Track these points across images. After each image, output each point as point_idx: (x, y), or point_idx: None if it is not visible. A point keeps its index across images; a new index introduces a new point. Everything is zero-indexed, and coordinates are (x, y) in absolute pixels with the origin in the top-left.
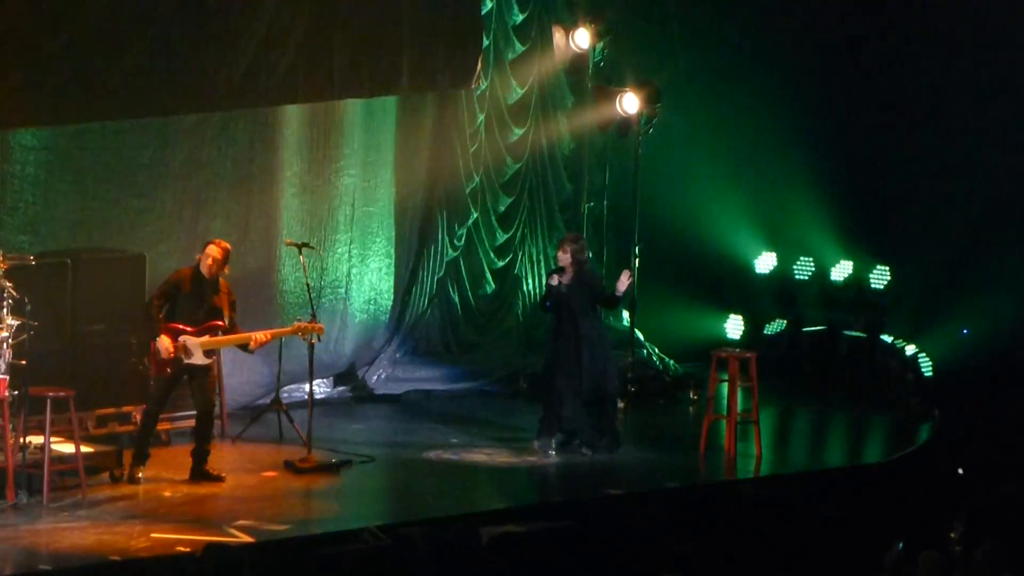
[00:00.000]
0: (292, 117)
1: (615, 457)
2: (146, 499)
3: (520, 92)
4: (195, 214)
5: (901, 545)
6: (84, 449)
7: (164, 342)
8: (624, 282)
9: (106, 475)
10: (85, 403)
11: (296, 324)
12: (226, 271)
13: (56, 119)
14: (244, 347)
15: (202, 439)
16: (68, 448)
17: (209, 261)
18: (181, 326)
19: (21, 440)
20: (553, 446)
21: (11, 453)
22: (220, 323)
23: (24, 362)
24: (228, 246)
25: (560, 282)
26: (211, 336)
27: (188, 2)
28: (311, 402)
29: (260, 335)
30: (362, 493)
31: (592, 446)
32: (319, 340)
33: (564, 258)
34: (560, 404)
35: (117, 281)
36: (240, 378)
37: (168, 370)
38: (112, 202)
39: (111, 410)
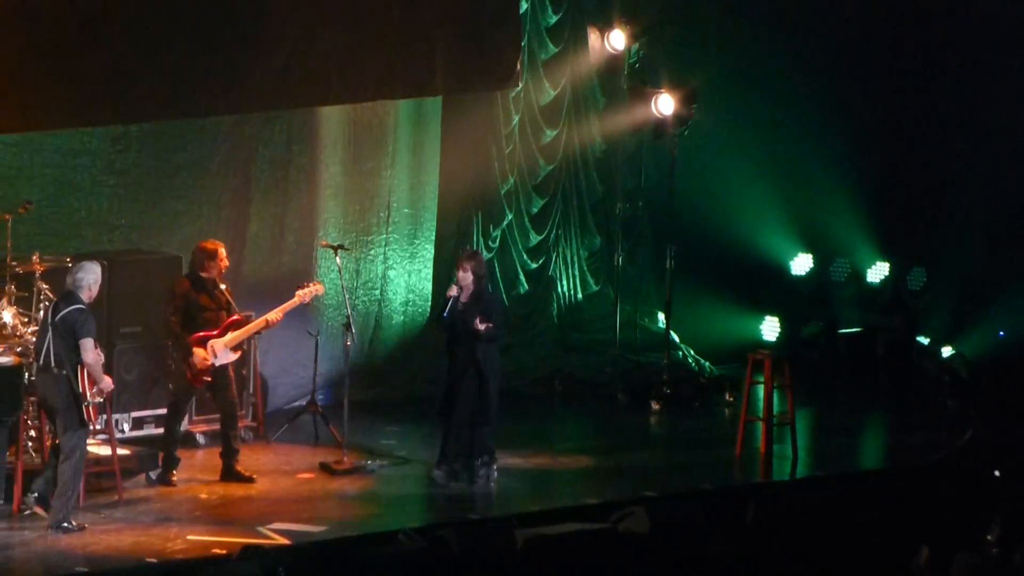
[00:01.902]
0: (329, 118)
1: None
2: (182, 501)
3: (553, 94)
4: (233, 215)
5: (928, 550)
6: (120, 451)
7: (200, 355)
8: (479, 325)
9: (142, 477)
10: (121, 405)
11: (297, 294)
12: (222, 268)
13: (91, 120)
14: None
15: (229, 439)
16: (104, 450)
17: (223, 265)
18: (204, 333)
19: (57, 442)
20: (455, 474)
21: (47, 455)
22: (237, 317)
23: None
24: (222, 246)
25: (459, 297)
26: (233, 332)
27: (222, 3)
28: (346, 404)
29: (272, 316)
30: (397, 495)
31: (469, 471)
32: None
33: (465, 277)
34: (456, 428)
35: (153, 283)
36: (276, 380)
37: (207, 378)
38: (150, 204)
39: (147, 412)
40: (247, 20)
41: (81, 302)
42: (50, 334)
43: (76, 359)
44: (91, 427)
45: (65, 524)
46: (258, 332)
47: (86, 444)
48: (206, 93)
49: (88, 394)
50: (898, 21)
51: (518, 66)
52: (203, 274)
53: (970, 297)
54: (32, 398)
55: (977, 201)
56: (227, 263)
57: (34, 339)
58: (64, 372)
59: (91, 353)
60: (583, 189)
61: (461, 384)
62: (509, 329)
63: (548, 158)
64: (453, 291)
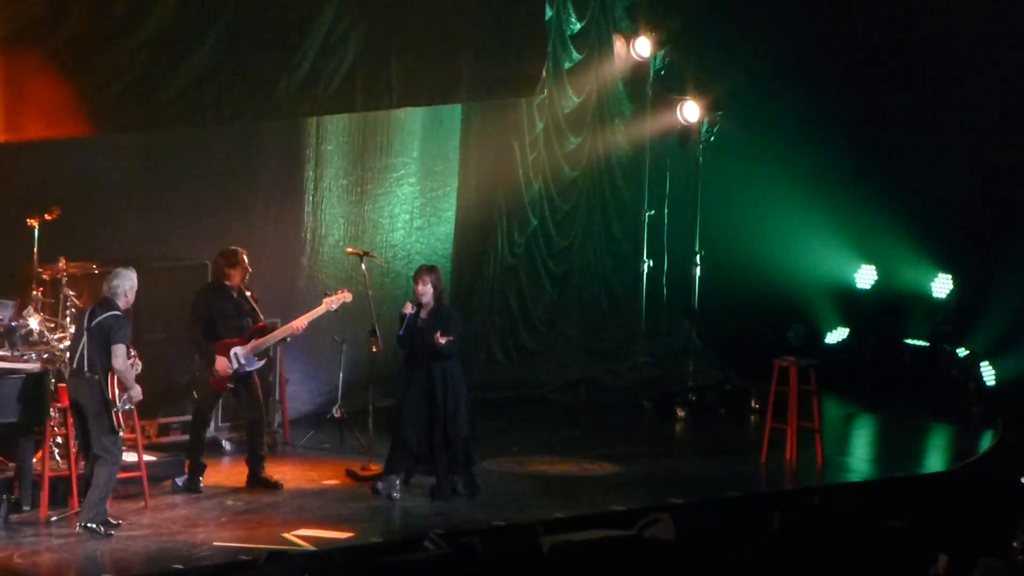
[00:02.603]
0: (353, 126)
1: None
2: (208, 507)
3: (577, 101)
4: (257, 221)
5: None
6: (147, 457)
7: (223, 363)
8: (440, 339)
9: (168, 484)
10: (147, 411)
11: (324, 301)
12: (244, 275)
13: (116, 127)
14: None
15: (256, 446)
16: (131, 456)
17: (245, 272)
18: (228, 340)
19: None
20: (397, 487)
21: (75, 461)
22: (261, 324)
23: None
24: (243, 253)
25: (417, 313)
26: (257, 339)
27: (247, 11)
28: (371, 409)
29: (298, 323)
30: (423, 501)
31: (442, 491)
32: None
33: (425, 291)
34: (409, 444)
35: (178, 290)
36: (302, 387)
37: (230, 385)
38: (174, 211)
39: (173, 419)
40: (271, 28)
41: (117, 308)
42: (85, 338)
43: (109, 364)
44: (121, 433)
45: (91, 525)
46: (284, 339)
47: (120, 449)
48: (230, 100)
49: (118, 400)
50: (928, 25)
51: (543, 73)
52: (226, 281)
53: (997, 304)
54: (58, 404)
55: (1006, 207)
56: (250, 269)
57: (60, 345)
58: (96, 376)
59: (121, 359)
60: (609, 196)
61: (423, 403)
62: (462, 344)
63: (573, 165)
64: (409, 308)
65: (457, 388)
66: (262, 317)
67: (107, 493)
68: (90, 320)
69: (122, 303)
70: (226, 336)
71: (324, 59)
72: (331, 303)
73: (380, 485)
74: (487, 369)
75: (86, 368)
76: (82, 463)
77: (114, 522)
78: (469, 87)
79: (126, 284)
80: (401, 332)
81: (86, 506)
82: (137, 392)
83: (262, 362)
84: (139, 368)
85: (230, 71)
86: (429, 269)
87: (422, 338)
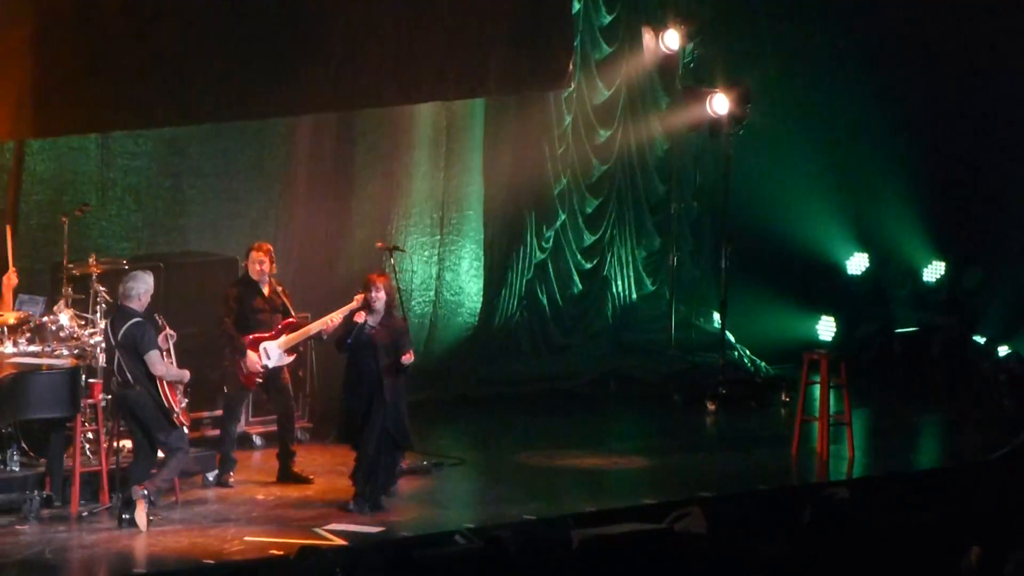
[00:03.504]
0: (380, 118)
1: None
2: (239, 502)
3: (607, 94)
4: (287, 217)
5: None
6: None
7: (252, 357)
8: (405, 360)
9: (199, 478)
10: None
11: (356, 298)
12: (274, 269)
13: (145, 123)
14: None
15: (286, 440)
16: (160, 452)
17: (258, 267)
18: (258, 335)
19: (114, 444)
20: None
21: (105, 456)
22: (291, 319)
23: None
24: (271, 247)
25: (367, 322)
26: (288, 335)
27: (275, 7)
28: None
29: (330, 319)
30: (453, 495)
31: (379, 499)
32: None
33: (380, 297)
34: (368, 456)
35: (209, 284)
36: (331, 381)
37: (260, 380)
38: (205, 206)
39: (204, 413)
40: (300, 23)
41: (136, 314)
42: (117, 353)
43: (147, 370)
44: (185, 429)
45: (147, 493)
46: (315, 335)
47: (186, 439)
48: (259, 95)
49: (175, 404)
50: (957, 17)
51: (570, 66)
52: (253, 276)
53: None
54: (89, 400)
55: None
56: (265, 266)
57: (91, 340)
58: (142, 387)
59: (159, 365)
60: (640, 189)
61: (374, 409)
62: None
63: (602, 158)
64: (362, 317)
65: (404, 395)
66: (293, 312)
67: (172, 476)
68: (115, 333)
69: (136, 305)
70: (256, 331)
71: (352, 54)
72: (363, 300)
73: (353, 505)
74: (516, 363)
75: (132, 381)
76: (112, 458)
77: (155, 514)
78: (497, 81)
79: (140, 287)
80: (350, 341)
81: (152, 479)
82: (186, 375)
83: (292, 357)
84: (174, 337)
85: (259, 66)
86: (381, 276)
87: (372, 347)
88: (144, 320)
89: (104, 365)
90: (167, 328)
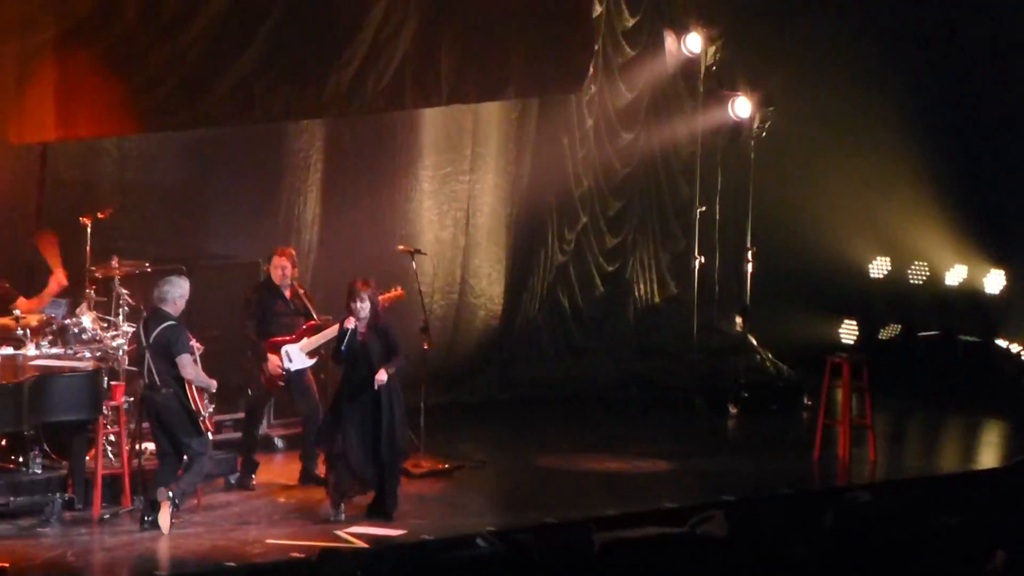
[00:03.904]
0: (403, 122)
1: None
2: (261, 505)
3: (629, 97)
4: (309, 220)
5: (1005, 555)
6: None
7: (274, 360)
8: (386, 371)
9: (221, 481)
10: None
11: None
12: (296, 273)
13: (167, 125)
14: None
15: (310, 442)
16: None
17: (280, 271)
18: (280, 338)
19: (136, 446)
20: (343, 509)
21: (127, 459)
22: (313, 322)
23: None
24: (293, 251)
25: (356, 328)
26: (310, 337)
27: (296, 10)
28: (423, 407)
29: (350, 322)
30: (475, 498)
31: (385, 507)
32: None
33: (363, 307)
34: (353, 464)
35: (230, 287)
36: None
37: (281, 383)
38: (227, 209)
39: (226, 416)
40: (321, 26)
41: (170, 317)
42: (148, 355)
43: (177, 374)
44: (209, 435)
45: (176, 500)
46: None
47: (209, 446)
48: (280, 99)
49: (202, 408)
50: (979, 20)
51: (590, 70)
52: (275, 280)
53: None
54: (111, 402)
55: None
56: (288, 270)
57: (113, 343)
58: (171, 390)
59: (190, 368)
60: (664, 192)
61: (367, 421)
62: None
63: (624, 161)
64: (351, 323)
65: (398, 404)
66: (315, 315)
67: (197, 481)
68: (147, 335)
69: (171, 309)
70: (278, 334)
71: (373, 57)
72: (384, 302)
73: (331, 510)
74: (538, 366)
75: (159, 383)
76: (134, 461)
77: (177, 516)
78: (517, 84)
79: (176, 291)
80: (344, 348)
81: (178, 485)
82: (213, 385)
83: (314, 360)
84: (201, 349)
85: (280, 69)
86: (365, 284)
87: (365, 354)
88: (179, 324)
89: (129, 368)
90: (194, 340)
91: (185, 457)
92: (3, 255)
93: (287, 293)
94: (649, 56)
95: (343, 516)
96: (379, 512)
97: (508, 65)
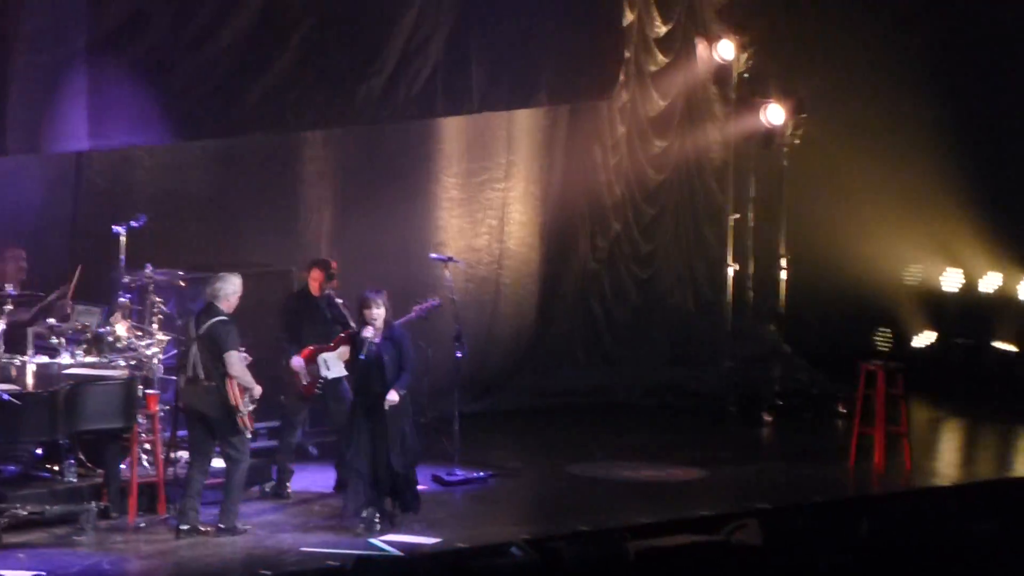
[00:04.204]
0: (437, 130)
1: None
2: (296, 513)
3: (662, 104)
4: (342, 228)
5: None
6: None
7: (311, 369)
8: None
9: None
10: None
11: (414, 309)
12: (335, 285)
13: (198, 134)
14: None
15: (344, 451)
16: (218, 463)
17: (314, 283)
18: (316, 347)
19: (171, 454)
20: (377, 517)
21: (161, 468)
22: (350, 331)
23: (174, 377)
24: (333, 262)
25: (372, 337)
26: (346, 346)
27: (328, 19)
28: (457, 415)
29: (368, 330)
30: (509, 506)
31: (395, 517)
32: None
33: (379, 313)
34: (365, 473)
35: (263, 296)
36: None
37: (317, 390)
38: (259, 217)
39: (260, 424)
40: (352, 35)
41: (223, 313)
42: (195, 347)
43: (223, 370)
44: (248, 434)
45: (237, 524)
46: None
47: (248, 448)
48: (312, 107)
49: (240, 404)
50: (1016, 27)
51: (620, 77)
52: (313, 291)
53: None
54: (145, 410)
55: None
56: (316, 283)
57: (147, 352)
58: (213, 383)
59: (237, 365)
60: (699, 199)
61: (379, 431)
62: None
63: (658, 169)
64: (369, 331)
65: (407, 414)
66: (353, 325)
67: (241, 495)
68: (197, 327)
69: (224, 306)
70: (314, 343)
71: (405, 65)
72: (421, 311)
73: (360, 523)
74: (571, 374)
75: (202, 376)
76: (170, 468)
77: (241, 527)
78: (548, 92)
79: (229, 288)
80: (363, 355)
81: (225, 512)
82: (257, 389)
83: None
84: (249, 360)
85: (311, 78)
86: (378, 292)
87: (379, 363)
88: (231, 321)
89: (161, 375)
90: (244, 350)
91: (222, 463)
92: (38, 264)
93: (325, 303)
94: (682, 63)
95: (361, 525)
96: (404, 510)
97: (539, 73)
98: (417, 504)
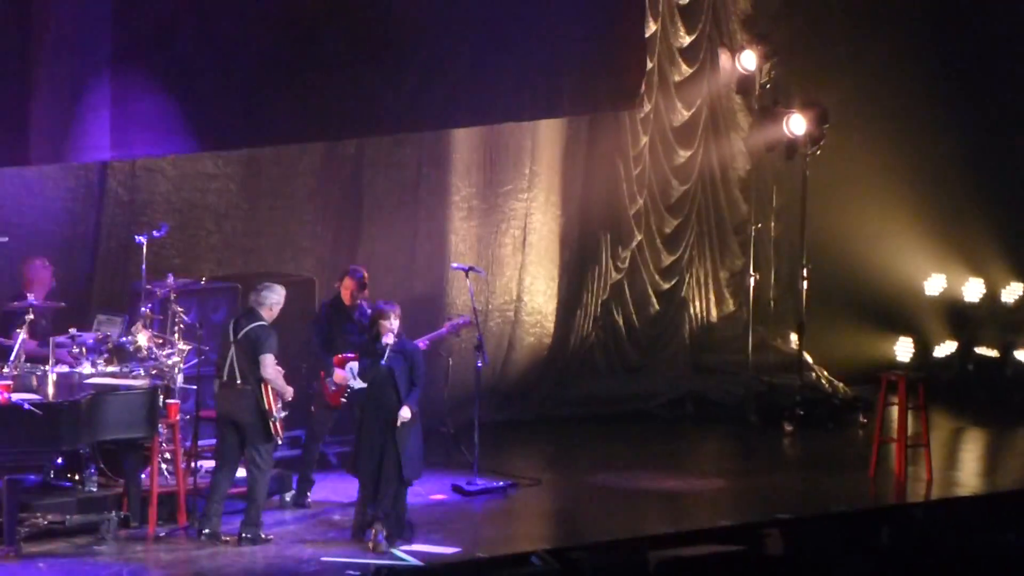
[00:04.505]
0: (460, 140)
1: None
2: (316, 523)
3: (687, 114)
4: (363, 238)
5: None
6: None
7: (339, 375)
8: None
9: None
10: None
11: (447, 324)
12: (366, 294)
13: (222, 144)
14: None
15: None
16: (240, 472)
17: (346, 292)
18: (345, 355)
19: (192, 464)
20: (384, 534)
21: (182, 477)
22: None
23: (195, 387)
24: (364, 272)
25: (387, 349)
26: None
27: (351, 29)
28: (477, 425)
29: (388, 337)
30: (529, 516)
31: (403, 533)
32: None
33: (393, 324)
34: (378, 489)
35: (287, 305)
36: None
37: (343, 399)
38: (282, 227)
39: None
40: (376, 46)
41: (263, 319)
42: (233, 350)
43: (259, 374)
44: (278, 441)
45: (262, 534)
46: None
47: (272, 458)
48: (336, 117)
49: (274, 409)
50: None
51: (642, 87)
52: (345, 300)
53: None
54: (167, 420)
55: None
56: (348, 292)
57: (169, 361)
58: (249, 387)
59: (271, 368)
60: (723, 209)
61: (388, 443)
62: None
63: (682, 178)
64: (390, 338)
65: (416, 432)
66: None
67: (263, 505)
68: (236, 331)
69: (266, 314)
70: (342, 350)
71: (428, 76)
72: (456, 332)
73: (368, 543)
74: (592, 384)
75: (238, 379)
76: (190, 478)
77: (265, 536)
78: (570, 102)
79: (274, 297)
80: (384, 362)
81: (248, 522)
82: (289, 392)
83: None
84: (282, 372)
85: (334, 88)
86: (391, 305)
87: (390, 376)
88: (270, 327)
89: (182, 385)
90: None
91: (244, 473)
92: (62, 273)
93: (355, 312)
94: (707, 73)
95: (370, 544)
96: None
97: (560, 83)
98: (398, 529)
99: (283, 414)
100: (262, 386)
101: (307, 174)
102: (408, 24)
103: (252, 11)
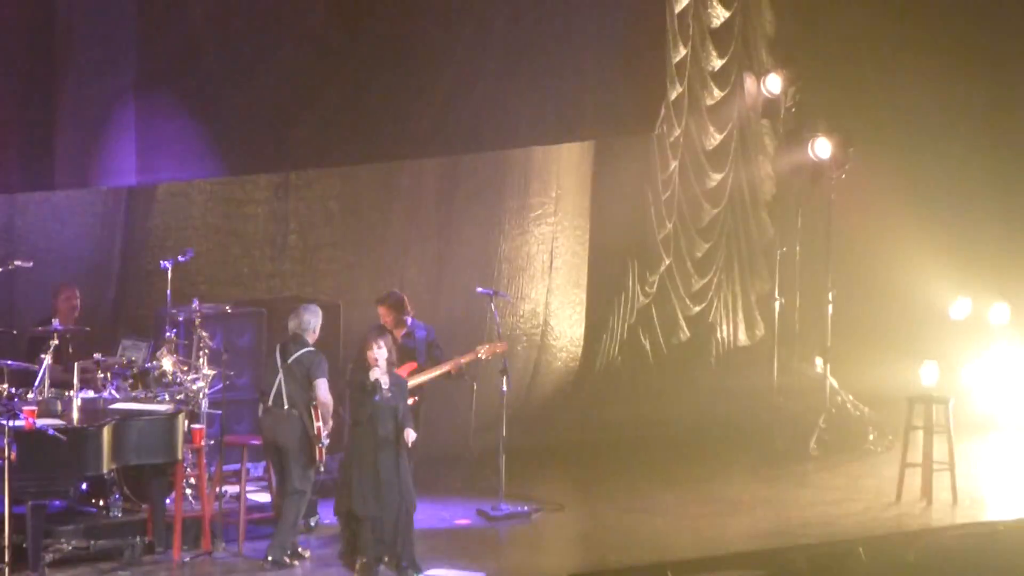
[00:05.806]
0: (487, 164)
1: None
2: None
3: (718, 138)
4: (390, 262)
5: None
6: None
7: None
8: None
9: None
10: None
11: (478, 348)
12: (410, 311)
13: (247, 168)
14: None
15: None
16: (264, 497)
17: (386, 320)
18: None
19: (217, 489)
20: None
21: (207, 502)
22: (414, 363)
23: (220, 411)
24: (402, 297)
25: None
26: (409, 377)
27: (375, 53)
28: (502, 449)
29: (449, 365)
30: (554, 541)
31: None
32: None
33: (381, 354)
34: (383, 522)
35: None
36: (433, 427)
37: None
38: (308, 251)
39: None
40: (401, 68)
41: (310, 344)
42: (281, 375)
43: (308, 399)
44: (321, 467)
45: (286, 558)
46: (443, 375)
47: (311, 487)
48: (361, 140)
49: (322, 434)
50: None
51: (661, 111)
52: (385, 323)
53: None
54: (191, 445)
55: None
56: (393, 317)
57: (194, 386)
58: (297, 412)
59: (324, 393)
60: (753, 232)
61: (392, 477)
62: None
63: (713, 202)
64: (376, 373)
65: (409, 461)
66: (422, 360)
67: (293, 529)
68: (284, 357)
69: (311, 338)
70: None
71: (452, 100)
72: (486, 352)
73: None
74: (618, 408)
75: (286, 404)
76: (215, 503)
77: (289, 561)
78: (592, 125)
79: (316, 321)
80: (378, 397)
81: (276, 545)
82: (330, 424)
83: (414, 400)
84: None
85: (359, 111)
86: (381, 330)
87: (389, 404)
88: (319, 351)
89: (207, 410)
90: None
91: (267, 497)
92: (88, 298)
93: (397, 335)
94: (738, 96)
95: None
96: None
97: (583, 106)
98: (411, 565)
99: (326, 442)
100: (312, 411)
101: (333, 198)
102: (434, 48)
103: (275, 34)
